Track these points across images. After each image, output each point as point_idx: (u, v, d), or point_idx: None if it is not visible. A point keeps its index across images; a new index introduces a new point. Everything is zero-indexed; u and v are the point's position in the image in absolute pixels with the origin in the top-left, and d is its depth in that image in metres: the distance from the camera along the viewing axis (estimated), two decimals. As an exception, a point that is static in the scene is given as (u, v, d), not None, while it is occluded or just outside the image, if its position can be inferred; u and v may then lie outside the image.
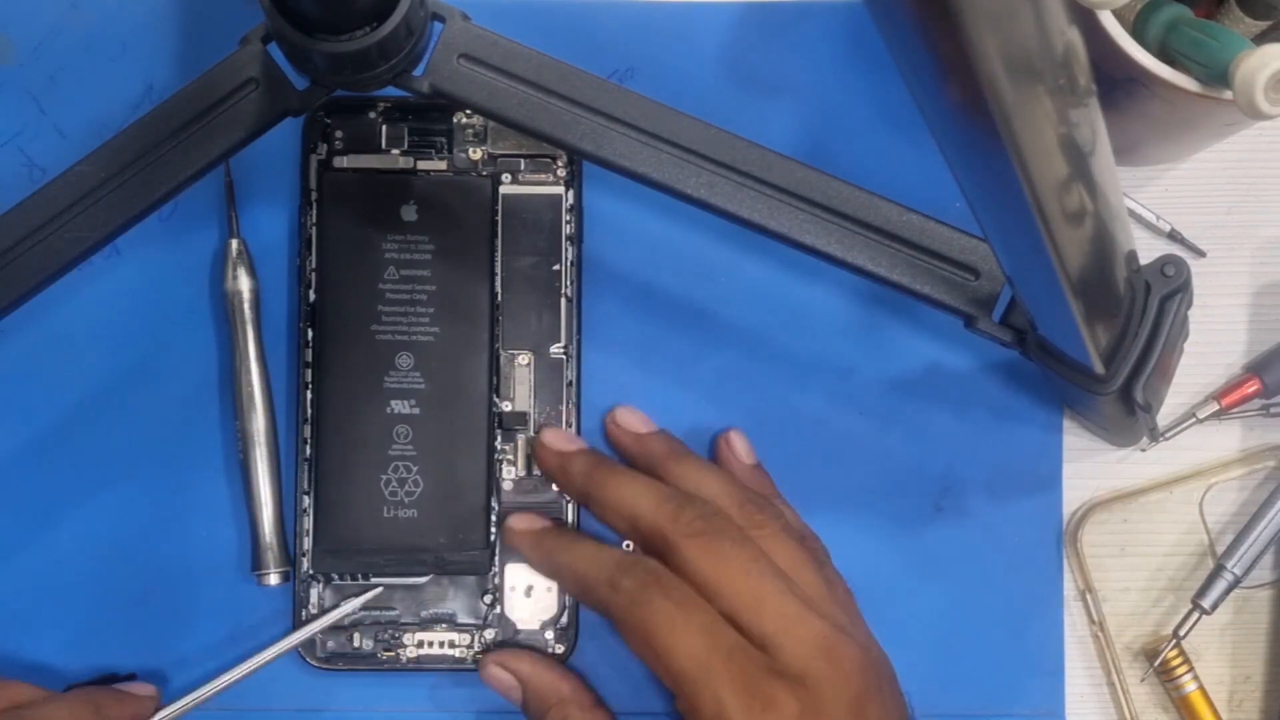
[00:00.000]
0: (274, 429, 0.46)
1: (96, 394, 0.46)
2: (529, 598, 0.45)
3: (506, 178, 0.46)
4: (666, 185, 0.40)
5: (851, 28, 0.48)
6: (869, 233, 0.41)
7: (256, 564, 0.45)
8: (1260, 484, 0.47)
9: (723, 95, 0.47)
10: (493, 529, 0.45)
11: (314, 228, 0.45)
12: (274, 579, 0.45)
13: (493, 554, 0.45)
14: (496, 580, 0.45)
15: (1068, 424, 0.47)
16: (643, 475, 0.43)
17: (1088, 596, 0.46)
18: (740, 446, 0.46)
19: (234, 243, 0.46)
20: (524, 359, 0.46)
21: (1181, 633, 0.45)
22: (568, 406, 0.46)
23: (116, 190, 0.39)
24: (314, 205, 0.46)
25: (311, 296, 0.45)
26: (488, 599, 0.45)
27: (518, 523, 0.44)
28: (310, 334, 0.45)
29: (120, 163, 0.39)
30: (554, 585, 0.45)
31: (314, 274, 0.45)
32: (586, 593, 0.41)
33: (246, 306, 0.46)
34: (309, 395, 0.45)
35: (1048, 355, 0.40)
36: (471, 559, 0.44)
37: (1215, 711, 0.45)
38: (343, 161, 0.46)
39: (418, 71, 0.40)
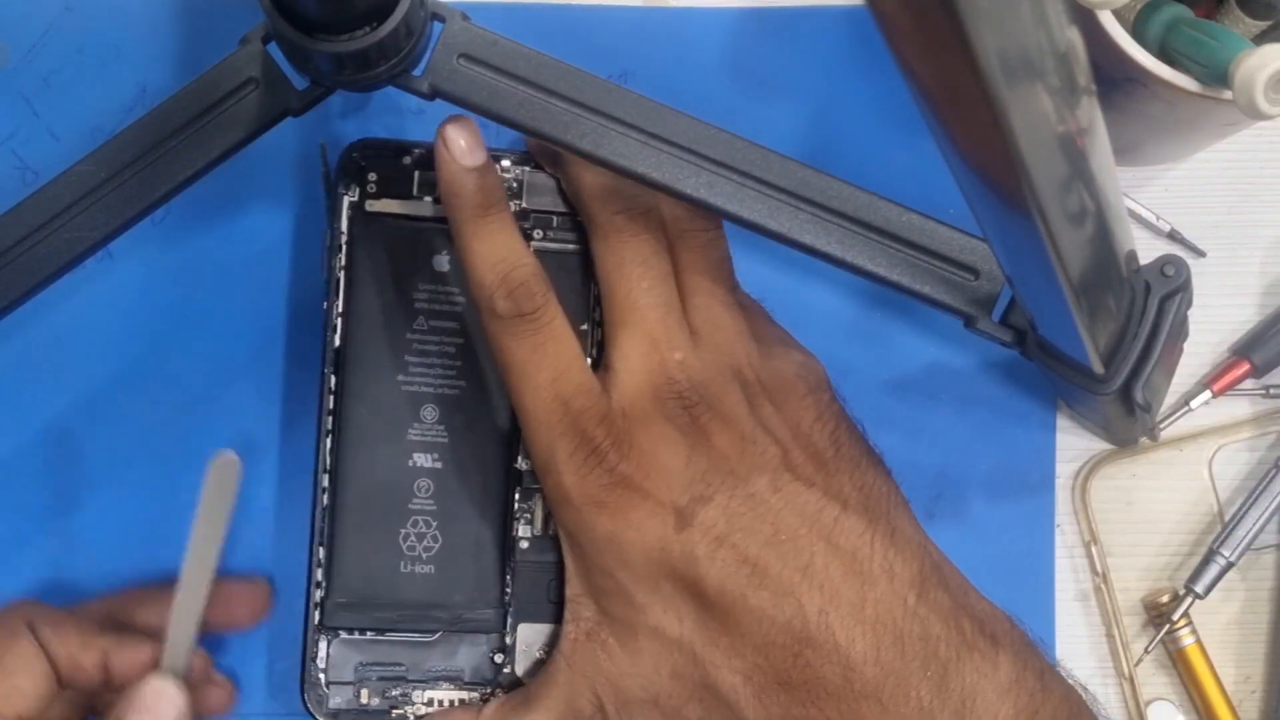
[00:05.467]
0: None
1: (91, 397, 0.46)
2: (542, 658, 0.44)
3: (538, 233, 0.45)
4: (666, 185, 0.40)
5: (850, 30, 0.48)
6: (869, 233, 0.41)
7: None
8: (1272, 445, 0.47)
9: (721, 99, 0.47)
10: (507, 588, 0.44)
11: (343, 271, 0.44)
12: None
13: (506, 614, 0.44)
14: (509, 640, 0.44)
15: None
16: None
17: (1092, 548, 0.46)
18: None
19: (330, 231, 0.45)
20: None
21: (1195, 590, 0.45)
22: None
23: (116, 190, 0.39)
24: (344, 248, 0.44)
25: (336, 342, 0.44)
26: (499, 658, 0.44)
27: None
28: (333, 380, 0.44)
29: (120, 163, 0.39)
30: None
31: (340, 319, 0.44)
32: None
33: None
34: (329, 443, 0.44)
35: (1048, 355, 0.40)
36: (485, 618, 0.44)
37: (1213, 670, 0.45)
38: (375, 206, 0.45)
39: (417, 71, 0.40)
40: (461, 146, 0.41)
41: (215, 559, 0.39)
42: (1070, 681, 0.40)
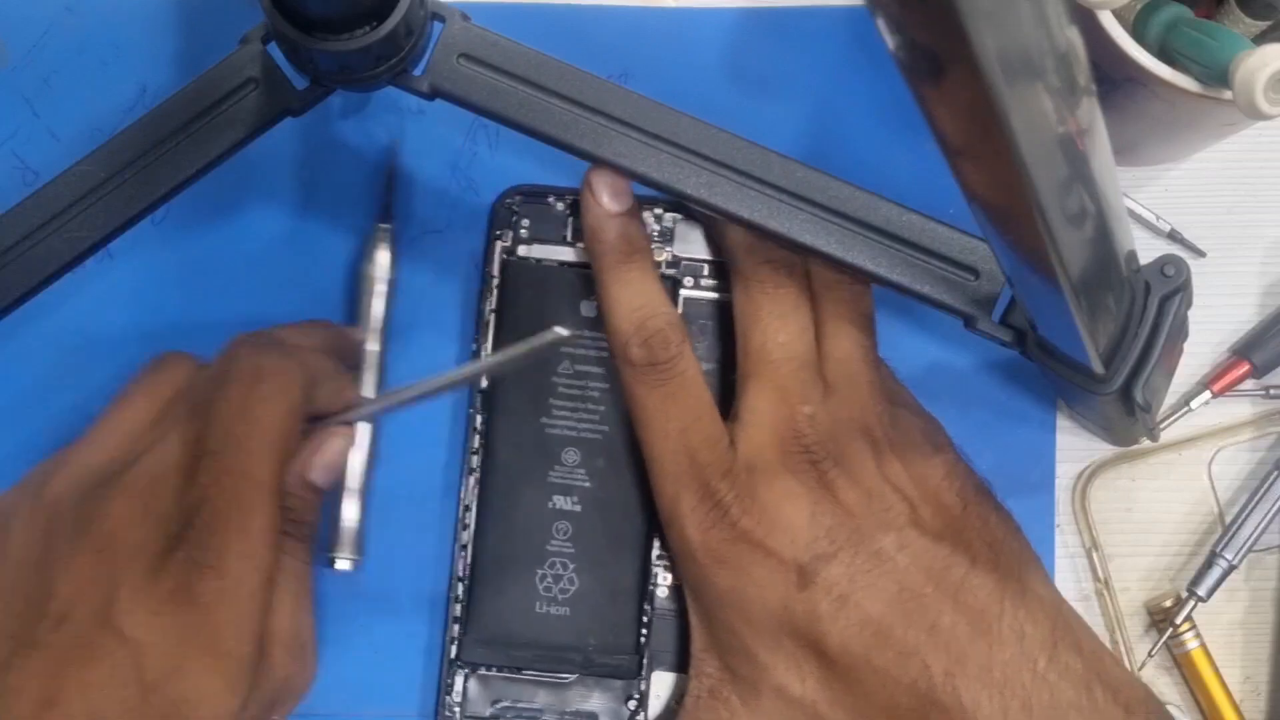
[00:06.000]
0: None
1: (91, 397, 0.46)
2: (674, 706, 0.44)
3: (689, 281, 0.45)
4: (666, 185, 0.40)
5: (850, 30, 0.48)
6: (869, 233, 0.41)
7: (331, 545, 0.44)
8: (1272, 446, 0.46)
9: (721, 99, 0.47)
10: (644, 634, 0.44)
11: (493, 314, 0.45)
12: (343, 564, 0.44)
13: (642, 660, 0.44)
14: (644, 686, 0.44)
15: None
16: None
17: (1093, 554, 0.46)
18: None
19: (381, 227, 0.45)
20: None
21: (1197, 593, 0.45)
22: None
23: (116, 190, 0.39)
24: (495, 291, 0.45)
25: (483, 383, 0.44)
26: (632, 704, 0.44)
27: None
28: (479, 420, 0.44)
29: (120, 162, 0.39)
30: None
31: None
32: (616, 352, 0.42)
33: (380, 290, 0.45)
34: (472, 481, 0.44)
35: (1048, 355, 0.40)
36: (621, 663, 0.44)
37: (1217, 671, 0.45)
38: (528, 250, 0.45)
39: (417, 71, 0.40)
40: (608, 192, 0.41)
41: (482, 373, 0.42)
42: None
